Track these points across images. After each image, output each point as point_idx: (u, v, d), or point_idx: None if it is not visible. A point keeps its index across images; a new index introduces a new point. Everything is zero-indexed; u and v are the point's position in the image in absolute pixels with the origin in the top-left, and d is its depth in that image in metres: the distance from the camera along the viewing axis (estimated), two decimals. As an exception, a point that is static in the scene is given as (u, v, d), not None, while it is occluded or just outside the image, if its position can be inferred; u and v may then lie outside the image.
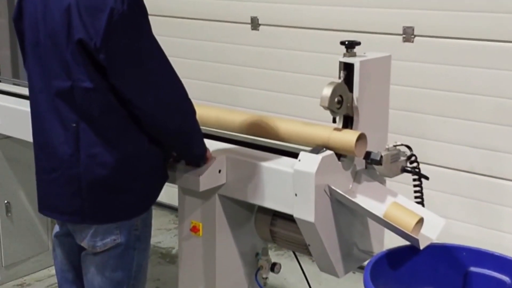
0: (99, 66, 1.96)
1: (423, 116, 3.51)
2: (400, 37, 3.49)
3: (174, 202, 2.49)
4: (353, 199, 2.21)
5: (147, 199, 2.21)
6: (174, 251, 4.16)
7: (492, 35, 3.24)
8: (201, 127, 2.29)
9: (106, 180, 2.06)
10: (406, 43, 3.47)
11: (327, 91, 2.21)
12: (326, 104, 2.21)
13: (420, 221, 2.14)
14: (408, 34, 3.45)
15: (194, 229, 2.53)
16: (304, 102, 3.89)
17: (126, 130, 2.07)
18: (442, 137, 3.46)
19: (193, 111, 2.17)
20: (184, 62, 4.32)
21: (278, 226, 2.55)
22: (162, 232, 4.42)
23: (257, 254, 2.69)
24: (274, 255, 3.83)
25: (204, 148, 2.32)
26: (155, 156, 2.18)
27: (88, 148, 2.04)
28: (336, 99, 2.23)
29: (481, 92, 3.31)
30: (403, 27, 3.47)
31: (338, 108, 2.26)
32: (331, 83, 2.23)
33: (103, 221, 2.12)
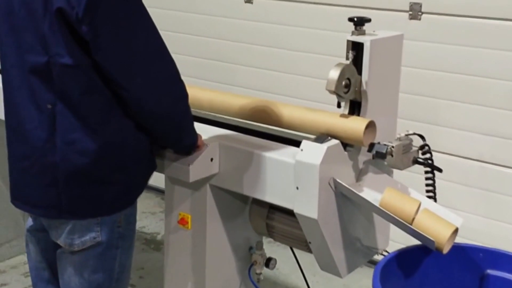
0: (80, 39, 1.73)
1: (429, 99, 3.32)
2: (406, 14, 3.29)
3: (160, 183, 2.26)
4: (365, 197, 1.99)
5: (132, 191, 1.98)
6: (159, 237, 3.94)
7: (507, 14, 3.05)
8: (192, 110, 2.05)
9: (85, 170, 1.83)
10: (413, 21, 3.28)
11: (335, 74, 1.98)
12: (333, 88, 1.98)
13: (455, 231, 1.92)
14: (415, 11, 3.27)
15: (182, 222, 2.33)
16: (301, 82, 3.70)
17: (109, 114, 1.83)
18: (450, 122, 3.28)
19: (185, 95, 1.94)
20: (172, 36, 4.06)
21: (275, 220, 2.33)
22: (147, 216, 4.19)
23: (250, 248, 2.50)
24: (265, 243, 3.63)
25: (195, 137, 2.09)
26: (141, 143, 1.94)
27: (66, 134, 1.81)
28: (343, 83, 2.02)
29: (493, 75, 3.12)
30: (410, 3, 3.28)
31: (346, 93, 2.04)
32: (338, 65, 2.01)
33: (82, 216, 1.89)
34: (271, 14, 3.80)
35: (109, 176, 1.87)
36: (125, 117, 1.85)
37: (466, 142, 3.23)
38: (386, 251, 2.35)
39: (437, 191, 2.23)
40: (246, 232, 2.46)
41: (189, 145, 2.10)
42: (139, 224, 4.04)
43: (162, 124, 1.93)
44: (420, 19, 3.25)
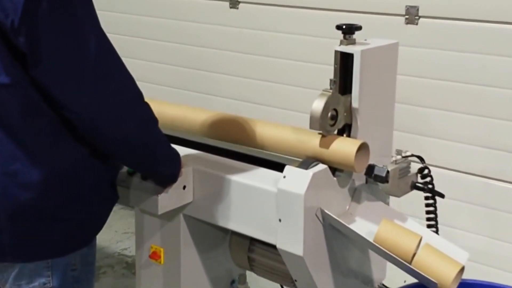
0: (18, 53, 1.48)
1: (428, 110, 3.09)
2: (403, 18, 3.07)
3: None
4: (359, 230, 1.75)
5: (89, 228, 1.73)
6: (142, 260, 3.68)
7: (510, 17, 2.82)
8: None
9: (30, 205, 1.58)
10: (409, 26, 3.06)
11: (317, 108, 1.75)
12: (318, 128, 1.76)
13: (461, 271, 1.68)
14: (412, 15, 3.04)
15: (154, 256, 2.09)
16: (289, 92, 3.46)
17: (57, 140, 1.59)
18: (450, 135, 3.05)
19: (148, 119, 1.68)
20: (153, 44, 3.81)
21: (257, 252, 2.09)
22: (129, 236, 3.93)
23: (232, 281, 2.27)
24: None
25: (175, 165, 1.85)
26: (98, 172, 1.69)
27: (6, 164, 1.57)
28: (329, 115, 1.78)
29: (496, 84, 2.89)
30: (406, 6, 3.05)
31: (333, 125, 1.80)
32: (320, 97, 1.78)
33: (28, 258, 1.65)
34: (258, 20, 3.57)
35: (59, 211, 1.62)
36: (76, 142, 1.61)
37: (467, 156, 3.01)
38: (383, 285, 2.12)
39: (437, 209, 2.01)
40: (227, 264, 2.22)
41: (169, 175, 1.85)
42: (120, 246, 3.79)
43: (125, 151, 1.68)
44: (417, 24, 3.03)
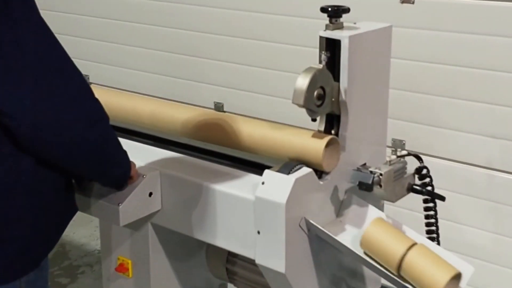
0: None
1: (428, 97, 2.85)
2: (398, -3, 2.86)
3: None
4: (345, 241, 1.54)
5: (36, 250, 1.50)
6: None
7: (516, -6, 2.60)
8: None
9: None
10: (405, 5, 2.82)
11: (303, 83, 1.53)
12: (302, 102, 1.53)
13: (455, 278, 1.47)
14: (408, -7, 2.83)
15: (122, 268, 1.89)
16: (284, 79, 3.21)
17: None
18: (451, 123, 2.82)
19: (100, 118, 1.47)
20: (134, 27, 3.56)
21: (237, 264, 1.89)
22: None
23: (212, 292, 2.05)
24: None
25: (127, 166, 1.63)
26: (49, 184, 1.46)
27: None
28: (316, 93, 1.56)
29: (502, 68, 2.65)
30: (401, -17, 2.84)
31: (319, 106, 1.58)
32: (308, 70, 1.55)
33: None
34: (247, 0, 3.32)
35: None
36: (18, 152, 1.38)
37: (471, 146, 2.79)
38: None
39: (439, 203, 1.80)
40: (206, 274, 2.02)
41: (120, 176, 1.64)
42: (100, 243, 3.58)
43: (75, 157, 1.45)
44: (413, 3, 2.79)
